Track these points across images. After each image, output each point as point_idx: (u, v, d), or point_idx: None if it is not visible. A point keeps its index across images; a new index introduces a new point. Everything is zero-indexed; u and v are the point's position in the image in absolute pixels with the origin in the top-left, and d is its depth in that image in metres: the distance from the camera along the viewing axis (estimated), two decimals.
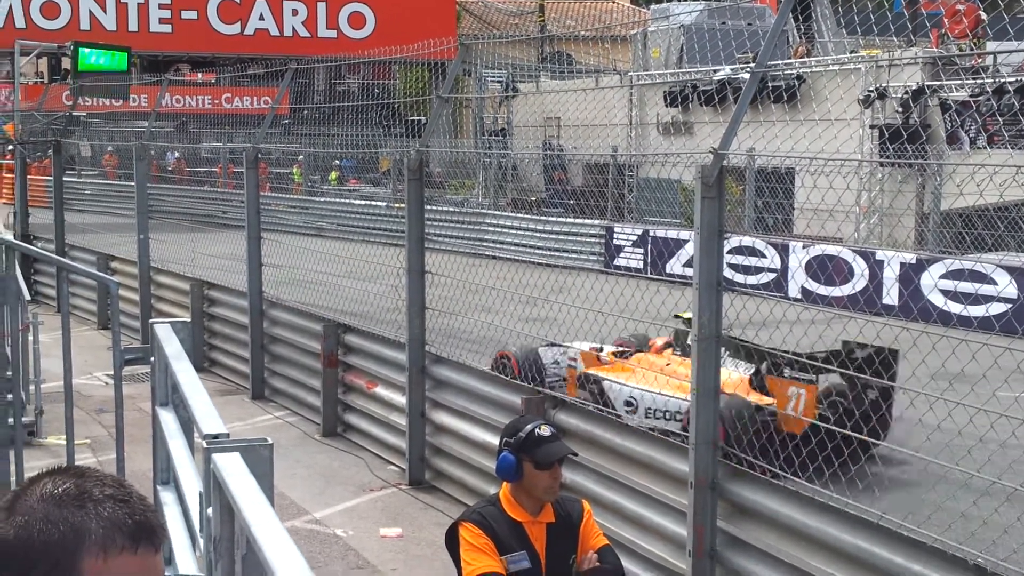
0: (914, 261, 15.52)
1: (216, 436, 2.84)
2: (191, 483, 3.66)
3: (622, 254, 19.96)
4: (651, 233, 19.52)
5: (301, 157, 25.46)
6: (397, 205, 15.74)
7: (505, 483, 4.03)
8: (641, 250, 19.69)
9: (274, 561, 1.95)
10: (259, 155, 11.95)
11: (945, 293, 14.03)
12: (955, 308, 12.82)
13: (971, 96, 18.62)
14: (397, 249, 9.49)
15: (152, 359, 4.52)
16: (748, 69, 5.71)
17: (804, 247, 16.67)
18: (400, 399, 9.02)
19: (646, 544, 6.28)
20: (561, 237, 20.11)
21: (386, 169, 24.19)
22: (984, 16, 19.14)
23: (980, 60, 19.79)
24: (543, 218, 21.26)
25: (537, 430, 3.97)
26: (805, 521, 5.25)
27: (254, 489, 2.37)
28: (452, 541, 3.99)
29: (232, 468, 2.52)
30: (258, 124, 13.71)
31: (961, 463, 4.93)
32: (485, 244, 18.87)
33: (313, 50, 35.03)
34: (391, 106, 18.12)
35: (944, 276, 14.41)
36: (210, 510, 2.77)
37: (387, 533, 7.73)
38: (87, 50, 19.26)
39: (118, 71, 20.50)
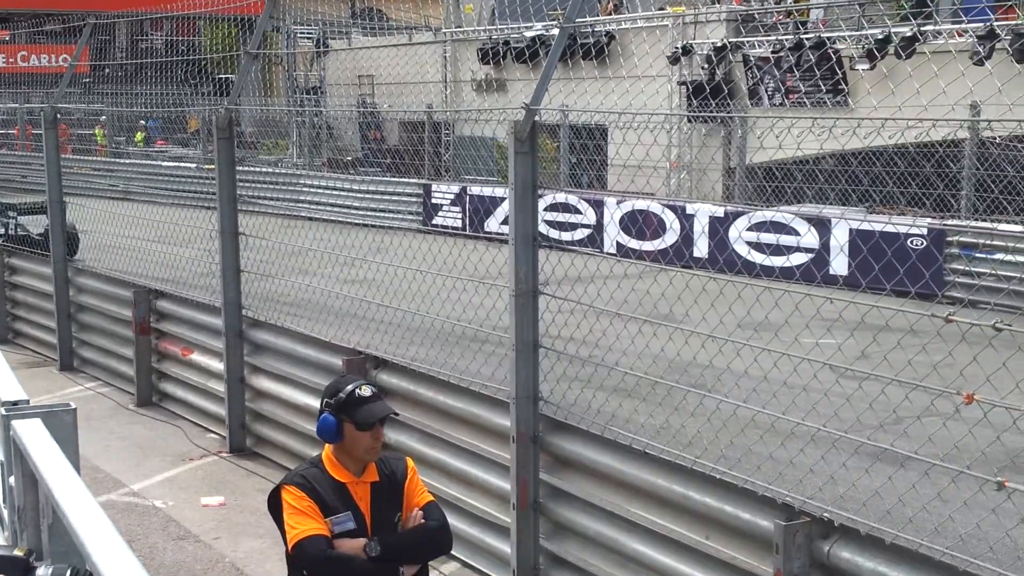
0: (722, 214, 16.05)
1: (15, 403, 2.74)
2: None
3: (440, 213, 19.99)
4: (468, 191, 19.60)
5: (104, 117, 24.49)
6: (208, 166, 15.33)
7: (327, 444, 4.01)
8: (459, 209, 19.76)
9: (80, 528, 1.91)
10: (58, 115, 11.45)
11: (750, 244, 14.59)
12: (759, 258, 13.37)
13: (772, 52, 19.31)
14: (209, 212, 9.27)
15: None
16: (557, 25, 5.78)
17: (618, 203, 17.03)
18: (218, 365, 8.85)
19: (471, 500, 6.36)
20: (379, 197, 19.99)
21: (195, 129, 23.53)
22: None
23: (781, 17, 20.51)
24: (360, 178, 21.06)
25: (358, 390, 3.95)
26: (622, 469, 5.41)
27: (58, 456, 2.31)
28: (275, 506, 3.95)
29: (34, 435, 2.44)
30: (57, 83, 13.12)
31: (767, 407, 5.15)
32: (301, 205, 18.59)
33: (114, 5, 33.56)
34: (198, 63, 17.56)
35: (749, 228, 14.97)
36: (12, 479, 2.69)
37: (209, 502, 7.61)
38: None
39: None
